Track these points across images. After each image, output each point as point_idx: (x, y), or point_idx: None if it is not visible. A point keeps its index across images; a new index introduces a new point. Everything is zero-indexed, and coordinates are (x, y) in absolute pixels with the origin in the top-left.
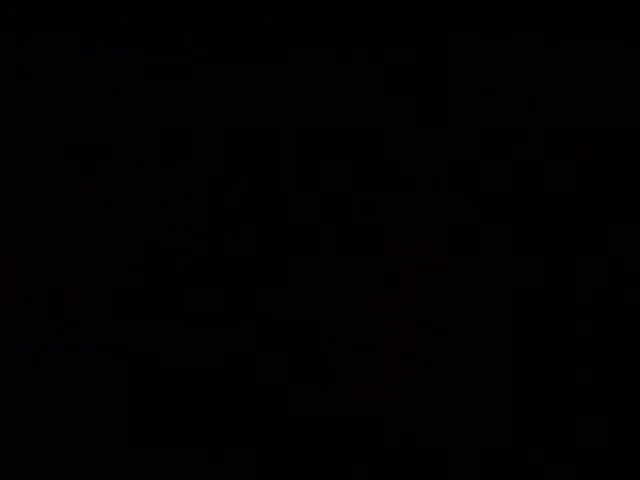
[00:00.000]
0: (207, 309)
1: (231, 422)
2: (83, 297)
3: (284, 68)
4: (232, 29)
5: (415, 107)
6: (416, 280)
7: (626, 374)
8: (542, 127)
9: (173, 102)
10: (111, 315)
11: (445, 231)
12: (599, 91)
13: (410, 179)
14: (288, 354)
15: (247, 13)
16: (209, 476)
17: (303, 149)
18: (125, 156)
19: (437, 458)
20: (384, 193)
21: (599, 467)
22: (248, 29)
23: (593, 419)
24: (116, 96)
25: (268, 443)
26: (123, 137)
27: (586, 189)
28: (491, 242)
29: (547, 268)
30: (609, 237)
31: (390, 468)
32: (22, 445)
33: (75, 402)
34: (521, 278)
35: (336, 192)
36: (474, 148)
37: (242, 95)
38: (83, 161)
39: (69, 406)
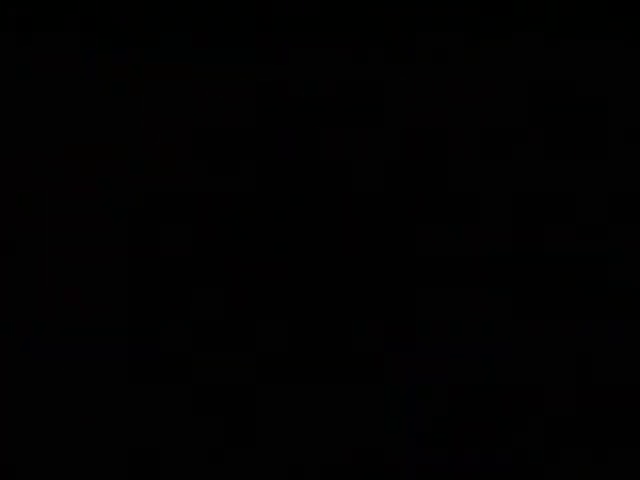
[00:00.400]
0: (209, 308)
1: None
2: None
3: (284, 68)
4: (232, 29)
5: (415, 107)
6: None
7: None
8: (542, 127)
9: (173, 102)
10: (108, 313)
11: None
12: (599, 91)
13: (410, 178)
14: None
15: (247, 13)
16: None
17: (303, 149)
18: (125, 156)
19: None
20: (384, 192)
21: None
22: (248, 29)
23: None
24: (116, 96)
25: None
26: (123, 137)
27: (585, 189)
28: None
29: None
30: (609, 238)
31: None
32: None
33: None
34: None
35: (336, 191)
36: (474, 148)
37: (242, 95)
38: (83, 161)
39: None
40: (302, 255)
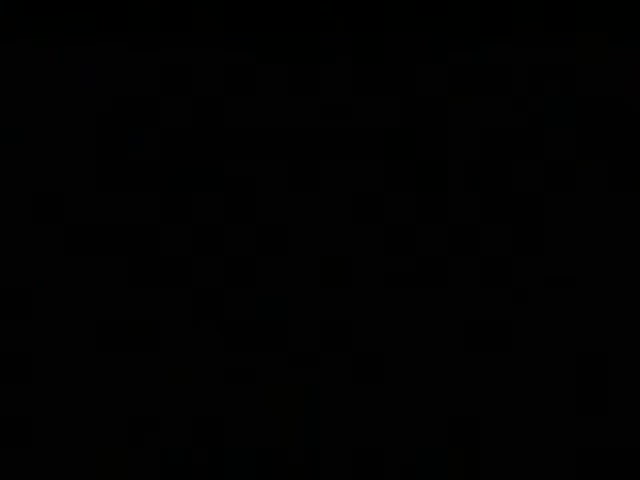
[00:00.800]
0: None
1: None
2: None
3: (283, 67)
4: (232, 29)
5: (415, 107)
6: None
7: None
8: (542, 127)
9: (173, 102)
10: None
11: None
12: (599, 91)
13: (410, 177)
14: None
15: (247, 13)
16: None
17: (303, 149)
18: (125, 156)
19: None
20: (383, 192)
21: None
22: (248, 29)
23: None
24: (116, 96)
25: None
26: (123, 137)
27: (584, 189)
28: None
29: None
30: (609, 238)
31: None
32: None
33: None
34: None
35: (335, 191)
36: (474, 149)
37: (242, 94)
38: (82, 161)
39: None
40: (302, 255)
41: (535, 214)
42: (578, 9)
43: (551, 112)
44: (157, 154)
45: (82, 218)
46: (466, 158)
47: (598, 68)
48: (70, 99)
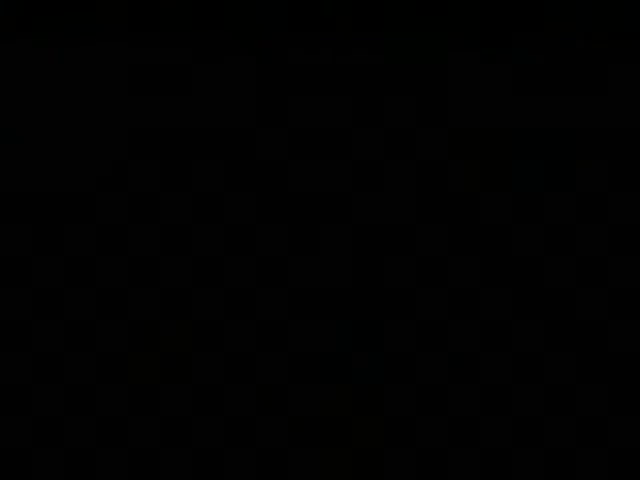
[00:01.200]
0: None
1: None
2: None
3: (284, 68)
4: (231, 29)
5: (415, 106)
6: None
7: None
8: (542, 127)
9: (173, 101)
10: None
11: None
12: (600, 91)
13: (407, 177)
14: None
15: (247, 13)
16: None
17: (302, 149)
18: (125, 156)
19: None
20: (380, 191)
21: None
22: (247, 29)
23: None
24: (116, 95)
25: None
26: (123, 137)
27: (584, 189)
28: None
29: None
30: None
31: None
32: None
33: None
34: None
35: (334, 191)
36: (473, 148)
37: (242, 94)
38: (83, 160)
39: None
40: (303, 256)
41: (534, 214)
42: (577, 10)
43: (551, 112)
44: (157, 154)
45: (82, 217)
46: (466, 157)
47: (597, 68)
48: (70, 99)
